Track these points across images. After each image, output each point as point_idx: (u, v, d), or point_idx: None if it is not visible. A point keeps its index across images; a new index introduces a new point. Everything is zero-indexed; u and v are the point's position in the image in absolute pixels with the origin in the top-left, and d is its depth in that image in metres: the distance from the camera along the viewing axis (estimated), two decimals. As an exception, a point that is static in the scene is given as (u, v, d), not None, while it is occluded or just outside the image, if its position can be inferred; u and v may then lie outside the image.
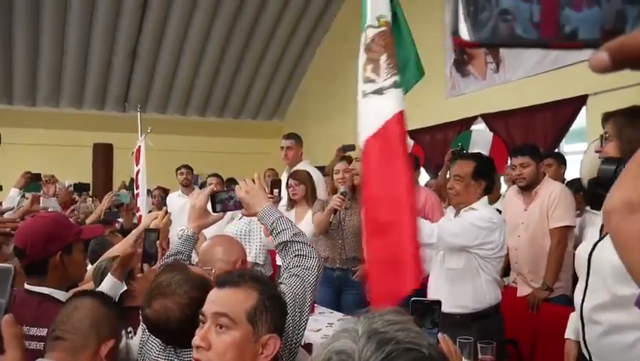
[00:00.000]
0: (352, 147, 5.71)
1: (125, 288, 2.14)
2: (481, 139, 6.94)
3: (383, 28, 2.29)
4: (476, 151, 5.66)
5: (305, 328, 1.64)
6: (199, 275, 1.67)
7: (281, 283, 1.70)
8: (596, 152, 1.91)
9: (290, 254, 1.75)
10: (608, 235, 1.89)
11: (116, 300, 2.01)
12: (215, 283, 1.38)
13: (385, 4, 2.34)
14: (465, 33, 0.43)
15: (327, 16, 11.00)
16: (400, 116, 2.14)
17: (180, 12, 10.02)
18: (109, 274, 2.11)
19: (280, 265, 4.46)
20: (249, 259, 4.79)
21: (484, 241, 2.86)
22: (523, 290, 3.88)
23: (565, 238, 3.70)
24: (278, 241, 1.80)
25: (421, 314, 1.50)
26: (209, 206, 2.02)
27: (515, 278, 4.04)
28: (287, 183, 4.27)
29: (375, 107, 2.27)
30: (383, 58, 2.27)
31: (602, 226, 1.98)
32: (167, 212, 2.32)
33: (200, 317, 1.34)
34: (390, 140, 2.12)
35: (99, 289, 2.02)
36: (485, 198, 3.01)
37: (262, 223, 1.90)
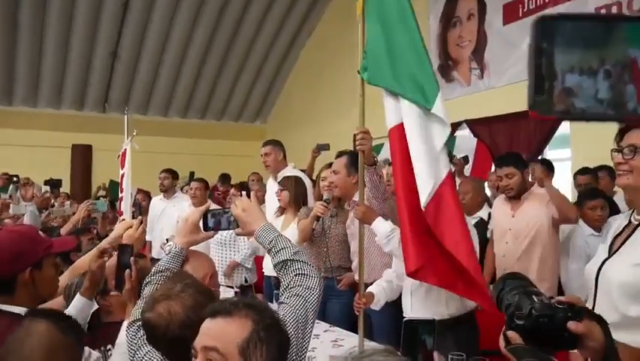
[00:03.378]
0: (327, 147, 5.66)
1: (97, 306, 2.04)
2: (465, 145, 6.94)
3: None
4: (462, 155, 5.65)
5: (307, 349, 1.57)
6: (204, 284, 1.62)
7: (282, 302, 1.62)
8: (618, 164, 1.85)
9: (290, 273, 1.68)
10: (616, 253, 1.86)
11: (87, 320, 1.91)
12: (208, 312, 1.28)
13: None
14: (539, 106, 0.49)
15: (311, 19, 10.96)
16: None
17: (162, 13, 9.88)
18: (78, 294, 2.00)
19: (265, 273, 4.40)
20: (237, 259, 4.71)
21: None
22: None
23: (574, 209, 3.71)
24: (277, 260, 1.72)
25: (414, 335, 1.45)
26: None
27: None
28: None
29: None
30: None
31: (611, 245, 1.94)
32: (141, 222, 2.23)
33: (192, 351, 1.25)
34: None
35: (67, 311, 1.90)
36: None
37: (259, 242, 1.81)
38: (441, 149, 2.63)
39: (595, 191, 4.17)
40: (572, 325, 1.13)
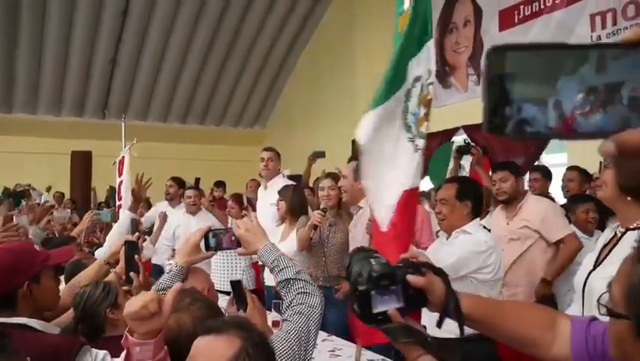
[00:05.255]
0: (323, 154, 5.69)
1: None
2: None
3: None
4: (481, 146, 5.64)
5: None
6: (209, 298, 1.66)
7: (285, 320, 1.68)
8: (596, 178, 1.92)
9: (293, 292, 1.73)
10: (600, 265, 1.90)
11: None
12: (201, 330, 1.34)
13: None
14: (492, 128, 0.52)
15: (310, 24, 11.01)
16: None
17: (161, 20, 9.94)
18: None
19: (265, 283, 4.44)
20: (239, 271, 4.75)
21: (483, 265, 2.79)
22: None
23: (576, 242, 3.72)
24: (280, 278, 1.78)
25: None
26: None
27: (501, 291, 4.05)
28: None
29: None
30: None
31: (598, 256, 1.97)
32: (139, 238, 2.27)
33: None
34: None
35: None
36: (477, 220, 2.96)
37: (262, 261, 1.87)
38: (407, 169, 2.52)
39: (585, 195, 4.24)
40: (411, 278, 1.11)
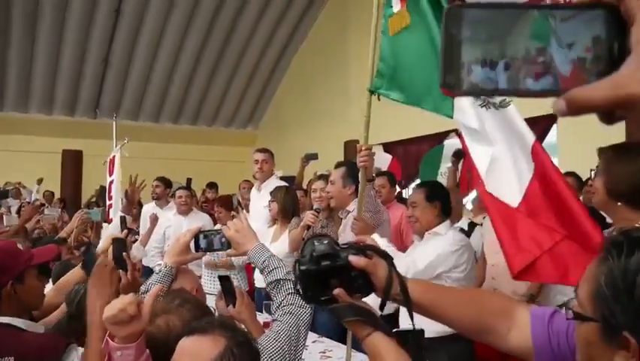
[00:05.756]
0: (315, 156, 5.68)
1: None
2: (448, 154, 7.00)
3: None
4: (448, 166, 5.70)
5: None
6: (199, 299, 1.66)
7: (275, 320, 1.68)
8: (590, 185, 1.92)
9: (283, 292, 1.74)
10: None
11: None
12: (185, 331, 1.34)
13: None
14: (449, 87, 0.53)
15: (303, 26, 11.02)
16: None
17: (154, 19, 9.91)
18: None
19: (256, 285, 4.43)
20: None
21: (456, 264, 2.89)
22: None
23: None
24: (270, 279, 1.78)
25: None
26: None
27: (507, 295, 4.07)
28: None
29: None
30: None
31: None
32: (127, 235, 2.26)
33: None
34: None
35: None
36: (447, 221, 3.05)
37: (252, 262, 1.88)
38: (515, 130, 2.36)
39: None
40: (353, 258, 1.10)
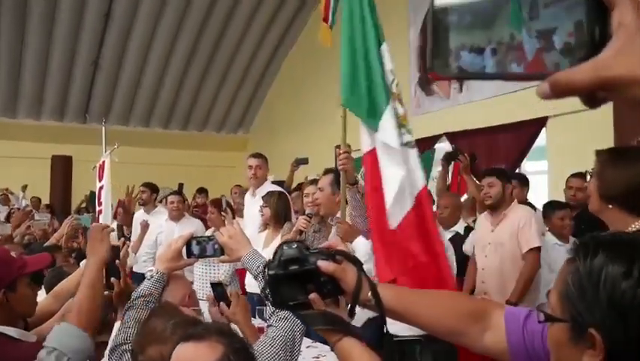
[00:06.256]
0: (306, 160, 5.69)
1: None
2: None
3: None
4: (439, 170, 5.72)
5: None
6: (192, 319, 1.63)
7: (270, 325, 1.68)
8: (585, 188, 1.92)
9: None
10: None
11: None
12: (181, 337, 1.33)
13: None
14: (437, 70, 0.54)
15: (294, 29, 11.03)
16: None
17: (144, 23, 9.87)
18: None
19: (248, 290, 4.41)
20: (221, 277, 4.70)
21: None
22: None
23: (537, 260, 3.77)
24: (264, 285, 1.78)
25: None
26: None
27: (483, 298, 4.09)
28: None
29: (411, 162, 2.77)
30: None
31: None
32: (124, 243, 2.25)
33: None
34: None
35: None
36: None
37: (246, 268, 1.87)
38: (412, 169, 2.75)
39: (561, 202, 4.31)
40: (322, 263, 1.09)
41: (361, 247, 2.96)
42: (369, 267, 2.92)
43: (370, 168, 2.81)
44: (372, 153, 2.79)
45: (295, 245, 1.12)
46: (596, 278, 0.80)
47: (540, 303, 3.44)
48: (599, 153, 1.95)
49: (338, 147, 3.11)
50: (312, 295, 1.10)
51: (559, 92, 0.50)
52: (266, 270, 1.13)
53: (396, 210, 2.68)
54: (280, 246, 1.14)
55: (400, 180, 2.68)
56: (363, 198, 3.24)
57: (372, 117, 2.77)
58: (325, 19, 3.43)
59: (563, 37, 0.51)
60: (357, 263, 1.14)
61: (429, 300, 1.19)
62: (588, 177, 1.96)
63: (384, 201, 2.71)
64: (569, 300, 0.83)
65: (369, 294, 1.12)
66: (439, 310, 1.15)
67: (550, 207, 4.25)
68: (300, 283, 1.11)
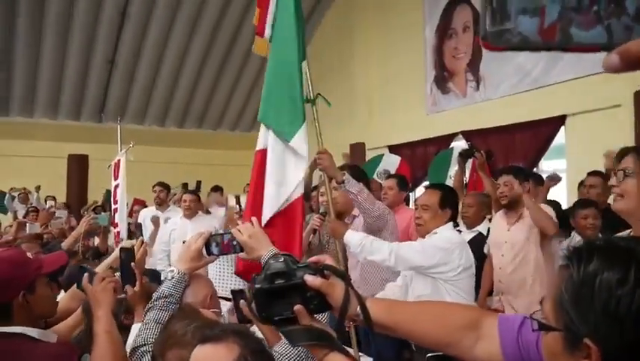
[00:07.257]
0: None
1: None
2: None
3: None
4: (457, 169, 5.67)
5: None
6: (213, 322, 1.62)
7: None
8: (612, 187, 1.82)
9: None
10: None
11: None
12: (199, 339, 1.32)
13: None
14: (492, 40, 0.49)
15: (308, 28, 11.00)
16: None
17: (160, 22, 9.92)
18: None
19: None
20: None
21: (441, 262, 2.85)
22: (510, 313, 3.86)
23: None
24: None
25: None
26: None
27: (500, 298, 4.03)
28: None
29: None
30: None
31: None
32: (142, 242, 2.23)
33: None
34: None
35: None
36: (450, 224, 3.04)
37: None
38: (295, 177, 2.89)
39: (587, 200, 4.22)
40: (309, 278, 1.07)
41: (351, 241, 2.98)
42: (364, 256, 2.94)
43: (258, 166, 2.98)
44: (263, 152, 2.97)
45: (282, 258, 1.10)
46: (590, 285, 0.77)
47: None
48: (629, 150, 1.85)
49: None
50: (297, 307, 1.08)
51: (631, 63, 0.45)
52: (253, 283, 1.10)
53: (269, 209, 2.84)
54: (268, 259, 1.12)
55: (282, 182, 2.85)
56: (368, 196, 3.26)
57: (285, 127, 2.95)
58: (259, 33, 3.68)
59: (637, 1, 0.46)
60: (345, 278, 1.12)
61: (419, 312, 1.17)
62: (614, 176, 1.86)
63: (263, 198, 2.88)
64: (562, 308, 0.81)
65: (358, 309, 1.10)
66: (430, 322, 1.12)
67: (575, 206, 4.18)
68: (286, 298, 1.09)
